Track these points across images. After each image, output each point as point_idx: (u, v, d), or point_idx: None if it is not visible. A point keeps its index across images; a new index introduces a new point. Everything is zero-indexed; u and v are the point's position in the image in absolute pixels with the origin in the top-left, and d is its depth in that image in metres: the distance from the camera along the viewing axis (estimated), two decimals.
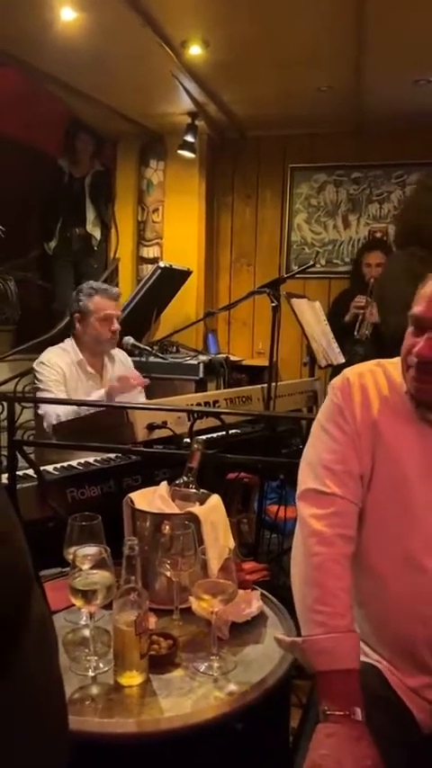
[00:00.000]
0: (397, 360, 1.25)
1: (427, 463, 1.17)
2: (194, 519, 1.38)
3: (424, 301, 1.14)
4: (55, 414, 2.34)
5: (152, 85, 3.72)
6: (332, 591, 1.11)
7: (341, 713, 1.00)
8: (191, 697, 1.10)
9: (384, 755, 0.98)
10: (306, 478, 1.23)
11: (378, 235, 4.70)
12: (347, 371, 1.28)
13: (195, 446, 1.58)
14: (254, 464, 2.38)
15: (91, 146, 4.43)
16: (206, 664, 1.19)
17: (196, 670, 1.18)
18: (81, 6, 2.71)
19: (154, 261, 4.63)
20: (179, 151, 4.35)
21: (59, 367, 2.50)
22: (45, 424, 2.37)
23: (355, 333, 3.77)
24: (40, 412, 2.43)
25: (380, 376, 1.26)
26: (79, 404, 2.23)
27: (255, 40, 3.08)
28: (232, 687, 1.13)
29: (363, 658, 1.23)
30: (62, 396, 2.45)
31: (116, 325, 2.61)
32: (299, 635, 1.25)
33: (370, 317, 3.67)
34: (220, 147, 4.91)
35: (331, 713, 1.01)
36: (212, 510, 1.45)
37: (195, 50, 3.18)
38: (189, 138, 4.26)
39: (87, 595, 1.17)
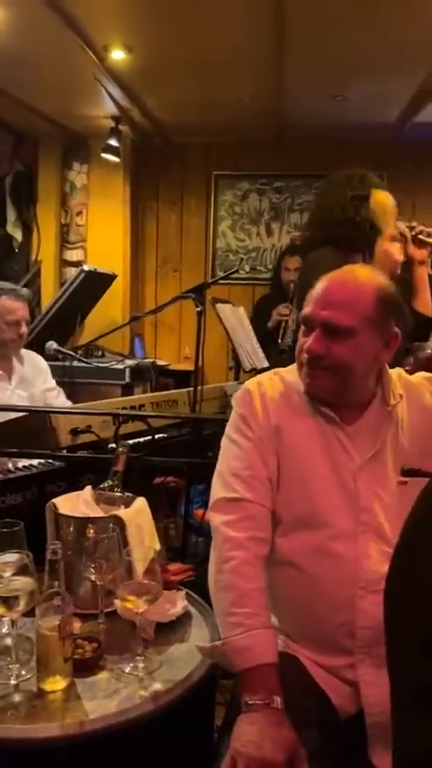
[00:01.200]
0: (291, 367, 1.35)
1: (328, 454, 1.26)
2: (119, 522, 1.38)
3: (312, 303, 1.25)
4: None
5: (75, 87, 3.68)
6: (247, 592, 1.16)
7: (261, 702, 1.04)
8: (115, 698, 1.11)
9: (304, 740, 1.02)
10: (216, 489, 1.29)
11: (298, 242, 4.84)
12: (247, 383, 1.37)
13: (121, 449, 1.59)
14: (180, 467, 2.39)
15: (10, 144, 4.33)
16: (131, 665, 1.20)
17: (121, 671, 1.19)
18: (2, 4, 2.65)
19: (78, 264, 4.57)
20: (103, 155, 4.32)
21: None
22: None
23: (279, 340, 3.88)
24: None
25: (277, 382, 1.35)
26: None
27: (176, 45, 3.11)
28: (157, 686, 1.15)
29: (283, 649, 1.28)
30: None
31: (23, 328, 2.54)
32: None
33: (292, 324, 3.78)
34: (145, 152, 4.92)
35: (252, 703, 1.05)
36: (138, 513, 1.46)
37: (118, 55, 3.18)
38: (113, 142, 4.24)
39: (9, 602, 1.15)
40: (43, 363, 2.79)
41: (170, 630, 1.33)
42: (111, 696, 1.11)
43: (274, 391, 1.33)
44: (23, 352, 2.67)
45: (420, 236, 2.19)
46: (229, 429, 1.34)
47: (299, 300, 2.25)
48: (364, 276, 1.26)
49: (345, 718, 1.20)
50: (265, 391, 1.32)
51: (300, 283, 2.21)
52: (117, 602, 1.30)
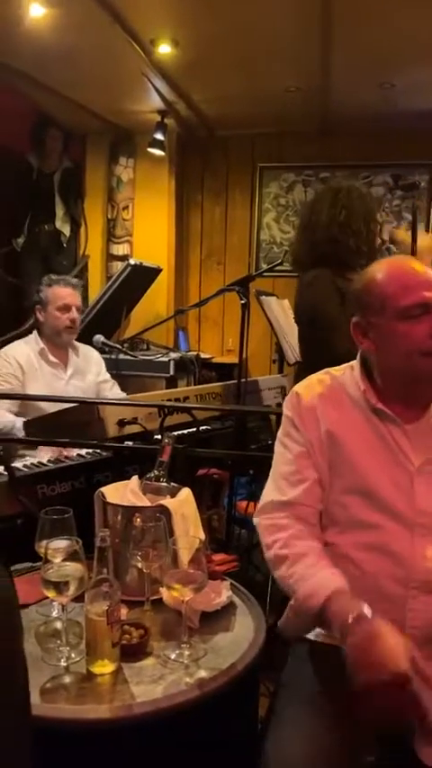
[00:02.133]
0: (342, 367, 1.35)
1: (384, 454, 1.25)
2: (165, 511, 1.40)
3: (411, 290, 1.20)
4: None
5: (122, 83, 3.72)
6: (298, 554, 1.21)
7: (353, 618, 1.04)
8: (161, 684, 1.13)
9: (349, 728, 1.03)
10: (267, 492, 1.33)
11: None
12: (296, 387, 1.37)
13: (166, 440, 1.61)
14: (224, 459, 2.41)
15: (60, 142, 4.40)
16: (177, 651, 1.22)
17: (167, 658, 1.21)
18: (50, 2, 2.70)
19: (124, 258, 4.63)
20: (149, 149, 4.35)
21: (15, 360, 2.53)
22: None
23: None
24: None
25: (327, 382, 1.34)
26: (46, 399, 2.24)
27: (222, 38, 3.11)
28: (202, 673, 1.17)
29: (330, 641, 1.28)
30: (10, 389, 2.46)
31: (74, 314, 2.62)
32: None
33: None
34: (190, 146, 4.93)
35: (345, 626, 1.05)
36: (183, 503, 1.48)
37: (165, 49, 3.20)
38: (158, 136, 4.27)
39: (60, 587, 1.18)
40: (96, 355, 2.86)
41: (215, 620, 1.35)
42: (157, 681, 1.14)
43: (324, 392, 1.32)
44: (77, 344, 2.74)
45: None
46: (279, 433, 1.36)
47: (301, 315, 2.25)
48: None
49: None
50: (314, 393, 1.32)
51: (301, 301, 2.22)
52: (163, 591, 1.33)
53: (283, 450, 1.33)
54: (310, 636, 1.33)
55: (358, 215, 2.08)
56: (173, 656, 1.21)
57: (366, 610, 1.05)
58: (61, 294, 2.59)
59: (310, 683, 1.24)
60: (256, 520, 1.32)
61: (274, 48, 3.22)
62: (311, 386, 1.34)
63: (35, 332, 2.68)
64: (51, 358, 2.62)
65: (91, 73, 3.51)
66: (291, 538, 1.23)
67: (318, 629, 1.31)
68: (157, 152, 4.36)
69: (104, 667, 1.16)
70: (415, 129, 4.26)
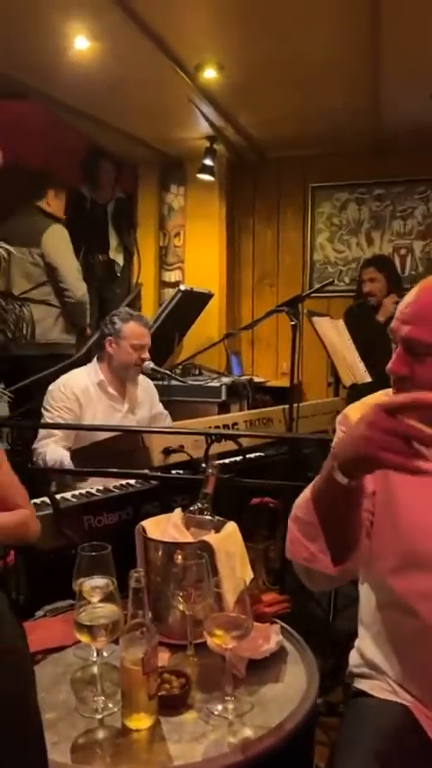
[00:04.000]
0: None
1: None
2: (208, 548, 1.31)
3: (396, 316, 1.12)
4: (43, 454, 2.32)
5: (169, 111, 3.75)
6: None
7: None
8: (203, 742, 1.02)
9: None
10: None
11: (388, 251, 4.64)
12: (347, 409, 1.25)
13: (210, 471, 1.52)
14: (276, 488, 2.29)
15: (112, 173, 4.47)
16: (221, 705, 1.11)
17: (210, 712, 1.10)
18: (94, 35, 2.74)
19: (176, 285, 4.63)
20: (198, 175, 4.36)
21: (72, 392, 2.48)
22: (35, 459, 2.36)
23: None
24: (35, 446, 2.42)
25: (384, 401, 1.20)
26: (88, 428, 2.20)
27: (269, 60, 3.08)
28: (248, 732, 1.05)
29: (393, 698, 1.15)
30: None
31: (146, 354, 2.62)
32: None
33: None
34: (240, 170, 4.92)
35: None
36: (228, 538, 1.38)
37: (210, 74, 3.19)
38: (208, 162, 4.27)
39: (93, 631, 1.10)
40: (153, 388, 2.83)
41: (263, 668, 1.23)
42: (197, 740, 1.03)
43: None
44: (139, 377, 2.72)
45: None
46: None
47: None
48: None
49: None
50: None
51: None
52: (206, 635, 1.22)
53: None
54: (371, 690, 1.20)
55: None
56: (216, 711, 1.10)
57: None
58: (139, 333, 2.58)
59: (372, 741, 1.11)
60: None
61: (321, 66, 3.16)
62: (365, 405, 1.22)
63: (95, 361, 2.65)
64: (110, 390, 2.59)
65: (138, 103, 3.55)
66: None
67: (374, 682, 1.18)
68: (207, 178, 4.36)
69: (140, 722, 1.06)
70: None
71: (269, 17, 2.69)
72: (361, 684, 1.24)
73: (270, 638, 1.27)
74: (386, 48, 2.98)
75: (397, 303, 3.62)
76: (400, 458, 0.85)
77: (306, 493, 1.10)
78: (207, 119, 3.86)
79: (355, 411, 1.22)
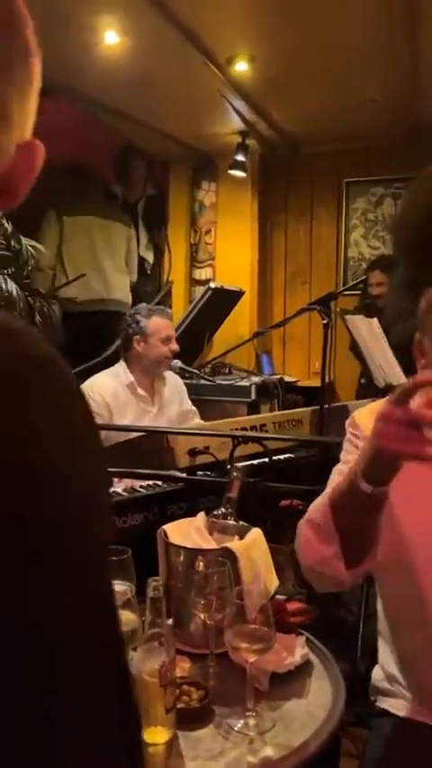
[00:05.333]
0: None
1: None
2: (231, 555, 1.26)
3: None
4: None
5: (200, 106, 3.71)
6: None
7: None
8: (221, 761, 0.98)
9: None
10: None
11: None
12: (356, 413, 1.22)
13: (234, 474, 1.47)
14: (305, 492, 2.23)
15: (143, 170, 4.45)
16: (242, 721, 1.06)
17: (230, 728, 1.06)
18: (124, 30, 2.72)
19: (207, 282, 4.59)
20: (230, 171, 4.31)
21: (101, 396, 2.44)
22: None
23: None
24: None
25: None
26: (112, 428, 2.16)
27: (301, 52, 3.01)
28: (269, 751, 1.00)
29: (410, 715, 1.10)
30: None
31: (175, 345, 2.60)
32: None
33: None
34: (273, 166, 4.85)
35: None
36: (252, 545, 1.33)
37: (242, 67, 3.14)
38: (240, 158, 4.22)
39: None
40: (182, 384, 2.80)
41: (287, 682, 1.17)
42: (216, 758, 0.98)
43: None
44: (165, 373, 2.69)
45: None
46: (341, 457, 1.20)
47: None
48: None
49: None
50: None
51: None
52: (227, 646, 1.18)
53: (337, 477, 1.15)
54: (393, 709, 1.14)
55: None
56: (236, 727, 1.05)
57: None
58: (164, 326, 2.56)
59: (399, 763, 1.06)
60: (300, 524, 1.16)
61: (356, 57, 3.08)
62: (371, 413, 1.17)
63: (122, 363, 2.60)
64: (140, 391, 2.55)
65: (169, 98, 3.52)
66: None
67: (396, 700, 1.12)
68: (239, 174, 4.31)
69: (157, 736, 1.02)
70: None
71: (300, 7, 2.63)
72: (384, 703, 1.20)
73: (294, 650, 1.22)
74: (425, 36, 2.87)
75: None
76: (414, 446, 0.84)
77: (323, 498, 1.06)
78: (239, 113, 3.80)
79: (362, 415, 1.19)
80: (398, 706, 1.15)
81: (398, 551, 1.11)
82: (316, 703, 1.12)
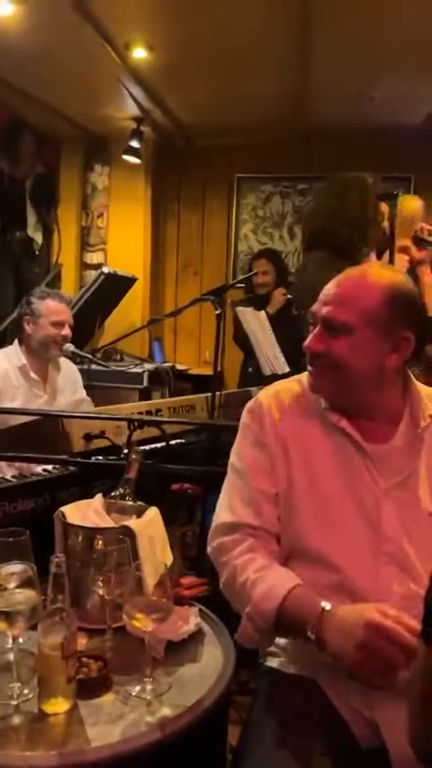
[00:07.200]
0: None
1: (348, 475, 1.18)
2: (130, 533, 1.31)
3: (318, 300, 1.20)
4: None
5: (96, 87, 3.65)
6: (249, 561, 1.18)
7: (316, 616, 1.04)
8: (120, 724, 1.03)
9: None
10: (219, 512, 1.25)
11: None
12: (261, 393, 1.29)
13: (133, 456, 1.52)
14: (197, 475, 2.32)
15: (33, 146, 4.30)
16: (139, 687, 1.12)
17: (128, 693, 1.11)
18: None
19: (98, 267, 4.54)
20: (124, 156, 4.29)
21: None
22: None
23: None
24: None
25: (296, 391, 1.27)
26: (6, 411, 2.13)
27: (197, 43, 3.07)
28: (165, 711, 1.07)
29: (301, 672, 1.20)
30: None
31: (67, 331, 2.56)
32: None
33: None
34: (167, 155, 4.88)
35: (311, 625, 1.04)
36: (150, 523, 1.39)
37: (140, 54, 3.14)
38: (134, 144, 4.21)
39: (10, 617, 1.08)
40: (77, 373, 2.77)
41: (181, 649, 1.25)
42: (115, 722, 1.04)
43: (290, 402, 1.24)
44: (61, 360, 2.64)
45: (421, 236, 2.14)
46: (236, 444, 1.27)
47: (296, 301, 2.21)
48: (376, 273, 1.18)
49: (367, 749, 1.11)
50: (279, 402, 1.24)
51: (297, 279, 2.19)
52: (125, 619, 1.23)
53: (238, 464, 1.24)
54: (281, 667, 1.25)
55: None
56: (134, 692, 1.11)
57: (326, 605, 1.04)
58: (57, 310, 2.52)
59: (280, 717, 1.16)
60: (210, 540, 1.25)
61: (251, 52, 3.18)
62: (278, 393, 1.26)
63: (16, 344, 2.56)
64: (32, 375, 2.51)
65: (64, 75, 3.43)
66: (247, 562, 1.17)
67: (283, 659, 1.23)
68: (133, 159, 4.30)
69: (58, 706, 1.05)
70: (395, 142, 4.25)
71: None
72: (271, 662, 1.29)
73: (189, 619, 1.30)
74: (317, 40, 3.03)
75: (285, 296, 3.78)
76: (379, 679, 0.98)
77: (267, 605, 1.11)
78: (135, 99, 3.79)
79: (267, 397, 1.26)
80: (285, 664, 1.25)
81: (299, 540, 1.20)
82: (209, 667, 1.21)
